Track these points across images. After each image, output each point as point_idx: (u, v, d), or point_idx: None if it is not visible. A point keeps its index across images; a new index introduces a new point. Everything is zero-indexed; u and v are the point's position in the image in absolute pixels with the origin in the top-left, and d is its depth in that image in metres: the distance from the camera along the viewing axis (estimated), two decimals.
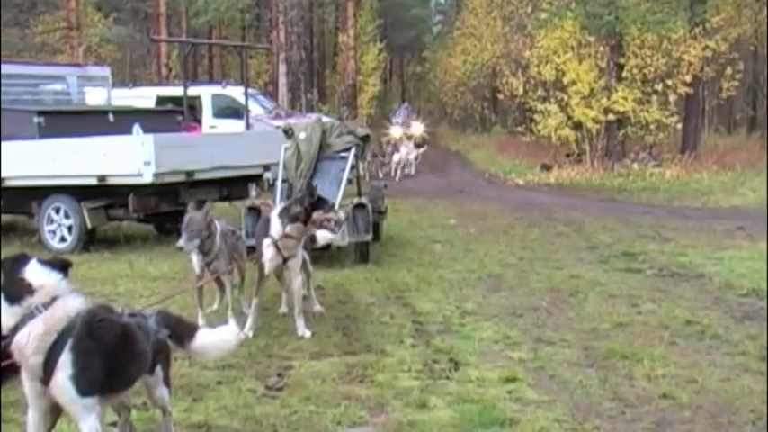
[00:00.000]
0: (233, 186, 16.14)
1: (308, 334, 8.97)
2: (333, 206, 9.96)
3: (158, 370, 5.49)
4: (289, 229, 9.03)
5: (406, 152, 31.01)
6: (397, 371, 7.86)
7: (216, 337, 5.78)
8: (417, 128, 34.70)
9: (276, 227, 9.11)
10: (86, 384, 4.75)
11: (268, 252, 9.15)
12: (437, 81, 71.94)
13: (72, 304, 4.83)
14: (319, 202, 9.32)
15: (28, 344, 4.70)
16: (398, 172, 30.25)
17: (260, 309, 9.36)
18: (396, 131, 33.04)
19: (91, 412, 4.77)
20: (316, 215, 9.23)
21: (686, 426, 6.55)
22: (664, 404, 6.97)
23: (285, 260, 9.22)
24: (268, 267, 9.25)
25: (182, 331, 5.67)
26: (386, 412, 6.80)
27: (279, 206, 9.95)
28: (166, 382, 5.61)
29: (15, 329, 4.70)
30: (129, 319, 5.24)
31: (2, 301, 4.74)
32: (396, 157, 30.67)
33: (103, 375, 4.85)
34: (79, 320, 4.79)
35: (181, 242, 9.04)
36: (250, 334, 8.95)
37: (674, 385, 7.38)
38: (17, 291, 4.73)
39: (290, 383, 7.48)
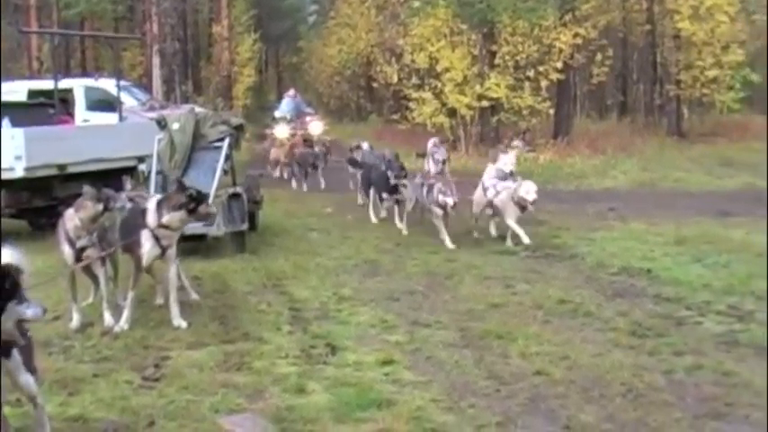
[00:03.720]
0: (107, 179, 15.84)
1: (183, 325, 8.94)
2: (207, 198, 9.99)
3: (15, 354, 5.37)
4: (167, 218, 8.98)
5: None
6: (274, 357, 7.91)
7: None
8: (316, 127, 26.01)
9: (153, 217, 9.04)
10: None
11: (147, 243, 9.09)
12: (313, 71, 71.63)
13: None
14: (201, 194, 9.33)
15: None
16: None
17: (136, 301, 9.29)
18: (281, 132, 25.81)
19: None
20: (202, 208, 9.23)
21: (559, 400, 6.71)
22: (537, 380, 7.14)
23: (164, 251, 9.17)
24: (146, 259, 9.18)
25: None
26: (264, 398, 6.84)
27: (154, 197, 9.85)
28: (28, 367, 5.53)
29: None
30: None
31: None
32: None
33: None
34: None
35: None
36: (126, 326, 8.88)
37: (548, 362, 7.57)
38: None
39: (168, 374, 7.47)
